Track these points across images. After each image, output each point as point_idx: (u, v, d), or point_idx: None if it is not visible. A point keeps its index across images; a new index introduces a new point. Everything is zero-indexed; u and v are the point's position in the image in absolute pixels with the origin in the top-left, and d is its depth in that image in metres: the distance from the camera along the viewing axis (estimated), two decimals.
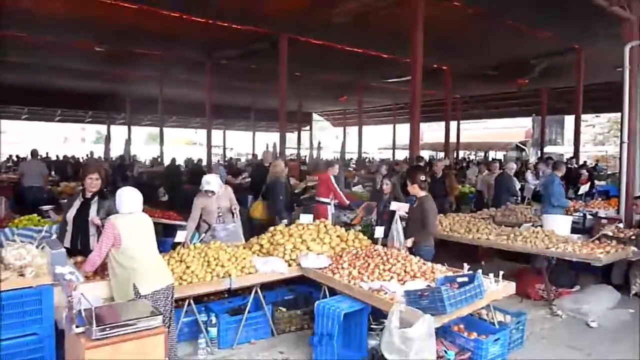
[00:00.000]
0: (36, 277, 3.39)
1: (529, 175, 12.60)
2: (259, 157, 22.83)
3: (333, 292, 4.71)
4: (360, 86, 21.97)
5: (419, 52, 9.53)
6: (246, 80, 20.35)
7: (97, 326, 2.86)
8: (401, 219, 5.69)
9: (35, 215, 6.88)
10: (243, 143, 39.28)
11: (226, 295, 5.13)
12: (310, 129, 36.67)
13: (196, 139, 51.00)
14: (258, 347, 4.77)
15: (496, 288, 4.40)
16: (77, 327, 2.95)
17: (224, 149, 32.50)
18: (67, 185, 11.43)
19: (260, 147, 30.59)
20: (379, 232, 5.61)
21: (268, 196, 7.85)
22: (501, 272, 4.60)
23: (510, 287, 4.54)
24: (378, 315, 4.30)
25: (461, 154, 30.08)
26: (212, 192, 5.62)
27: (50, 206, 7.96)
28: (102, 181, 4.84)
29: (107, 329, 2.89)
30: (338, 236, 5.65)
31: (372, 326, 4.36)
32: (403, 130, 32.08)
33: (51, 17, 11.23)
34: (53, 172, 16.22)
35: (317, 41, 13.67)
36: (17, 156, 22.70)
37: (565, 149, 29.27)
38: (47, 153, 24.49)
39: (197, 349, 4.53)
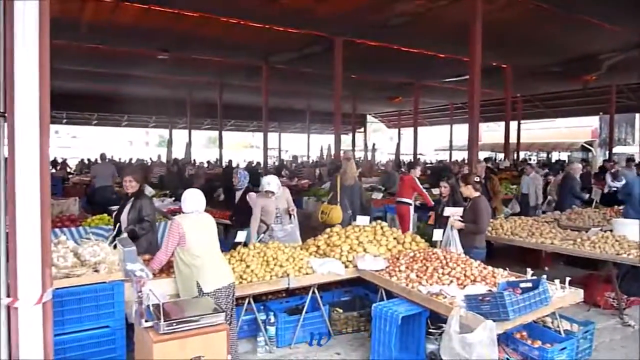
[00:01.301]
0: (109, 273, 3.61)
1: (608, 177, 11.91)
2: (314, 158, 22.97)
3: (390, 294, 4.69)
4: (416, 87, 21.66)
5: (477, 51, 9.29)
6: (301, 83, 20.58)
7: (164, 321, 3.00)
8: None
9: (106, 215, 7.28)
10: (298, 145, 39.72)
11: (284, 295, 5.21)
12: (365, 131, 36.54)
13: (253, 142, 52.16)
14: (315, 347, 4.82)
15: (562, 295, 4.22)
16: (146, 321, 3.11)
17: (280, 151, 33.00)
18: None
19: (315, 149, 30.89)
20: (437, 235, 5.51)
21: (333, 200, 7.63)
22: (567, 279, 4.41)
23: (578, 294, 4.34)
24: (436, 320, 4.24)
25: (522, 155, 28.93)
26: (272, 192, 5.74)
27: (118, 206, 8.37)
28: (138, 183, 5.20)
29: (174, 324, 3.02)
30: (395, 238, 5.61)
31: (430, 330, 4.29)
32: (460, 131, 31.32)
33: (120, 28, 11.87)
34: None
35: (372, 43, 13.62)
36: (88, 159, 24.12)
37: (634, 149, 27.52)
38: (112, 156, 25.87)
39: (257, 346, 4.65)
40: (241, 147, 51.53)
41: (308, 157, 31.06)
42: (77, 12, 10.64)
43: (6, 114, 2.68)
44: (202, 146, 47.97)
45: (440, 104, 30.35)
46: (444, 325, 3.86)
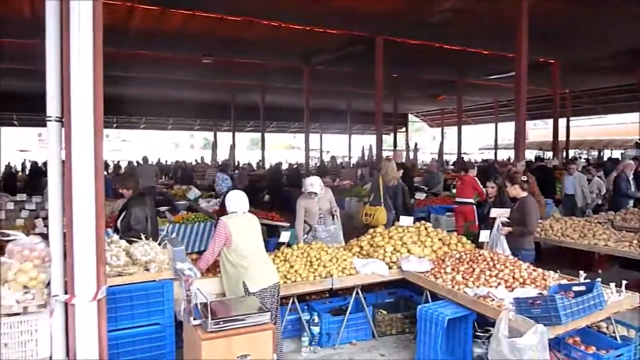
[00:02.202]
0: (159, 272, 3.72)
1: None
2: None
3: (435, 296, 4.61)
4: (460, 84, 21.23)
5: (523, 46, 9.02)
6: (342, 83, 20.58)
7: (212, 319, 3.06)
8: (503, 225, 5.42)
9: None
10: (339, 146, 39.74)
11: (327, 295, 5.22)
12: (406, 131, 36.12)
13: (294, 143, 52.58)
14: (359, 348, 4.81)
15: (618, 299, 4.03)
16: (194, 319, 3.18)
17: (321, 152, 33.12)
18: (179, 188, 12.36)
19: (357, 150, 30.80)
20: (484, 236, 5.37)
21: (376, 202, 7.48)
22: (624, 282, 4.20)
23: (635, 298, 4.13)
24: (484, 323, 4.13)
25: (571, 152, 27.82)
26: (315, 193, 5.76)
27: (166, 207, 8.66)
28: (129, 191, 5.45)
29: (221, 323, 3.08)
30: (440, 239, 5.51)
31: (477, 334, 4.19)
32: (506, 129, 30.44)
33: (166, 34, 12.24)
34: (168, 176, 17.65)
35: (413, 41, 13.46)
36: (136, 162, 25.05)
37: None
38: (159, 158, 26.76)
39: (301, 346, 4.68)
40: (283, 148, 52.06)
41: (349, 157, 31.00)
42: (126, 20, 11.04)
43: (63, 119, 2.82)
44: (245, 148, 48.79)
45: (484, 102, 29.63)
46: (491, 328, 3.76)
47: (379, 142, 14.52)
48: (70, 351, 2.88)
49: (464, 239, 5.58)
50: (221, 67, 16.69)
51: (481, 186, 8.18)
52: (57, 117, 2.85)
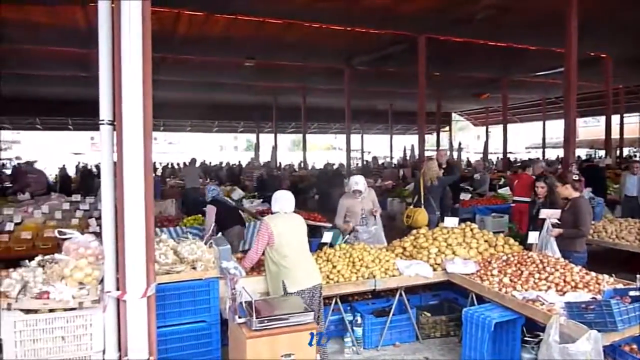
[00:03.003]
0: (205, 270, 3.81)
1: None
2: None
3: (481, 299, 4.50)
4: (505, 82, 20.64)
5: (573, 40, 8.67)
6: (384, 83, 20.43)
7: (256, 318, 3.10)
8: (553, 226, 5.21)
9: (200, 215, 7.70)
10: (381, 146, 39.49)
11: (369, 296, 5.20)
12: (450, 130, 35.46)
13: (335, 143, 52.63)
14: (402, 350, 4.76)
15: None
16: (239, 317, 3.24)
17: (362, 152, 33.00)
18: (223, 189, 12.60)
19: (398, 150, 30.51)
20: (533, 237, 5.20)
21: (418, 203, 7.39)
22: None
23: None
24: (532, 327, 4.00)
25: (625, 151, 26.50)
26: (360, 192, 5.75)
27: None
28: None
29: (265, 321, 3.12)
30: (486, 241, 5.37)
31: (526, 338, 4.06)
32: (554, 127, 29.38)
33: (210, 38, 12.52)
34: (211, 177, 18.09)
35: (457, 39, 13.19)
36: (177, 164, 25.79)
37: None
38: (203, 160, 27.41)
39: (344, 347, 4.67)
40: (324, 149, 52.23)
41: (391, 157, 30.75)
42: (172, 27, 11.37)
43: (115, 123, 2.94)
44: (287, 149, 49.25)
45: (531, 99, 28.69)
46: (541, 333, 3.64)
47: (422, 142, 14.30)
48: (122, 345, 3.00)
49: (511, 241, 5.42)
50: (263, 70, 16.91)
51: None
52: (109, 120, 2.98)
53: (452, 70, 17.93)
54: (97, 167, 13.37)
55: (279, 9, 10.64)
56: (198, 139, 47.29)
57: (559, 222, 5.18)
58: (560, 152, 13.01)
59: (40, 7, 9.81)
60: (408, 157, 24.67)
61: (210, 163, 26.97)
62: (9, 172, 18.01)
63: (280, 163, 24.64)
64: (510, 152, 27.36)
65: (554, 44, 11.58)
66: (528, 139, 37.12)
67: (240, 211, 7.40)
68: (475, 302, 4.55)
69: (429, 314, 5.02)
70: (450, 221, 5.71)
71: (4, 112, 22.91)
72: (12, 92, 19.99)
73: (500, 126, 23.67)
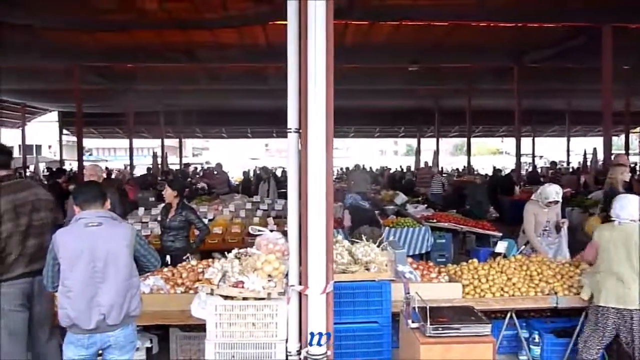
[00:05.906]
0: (378, 272, 3.91)
1: None
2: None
3: None
4: None
5: None
6: (559, 81, 18.60)
7: (430, 324, 3.08)
8: None
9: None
10: (554, 150, 36.02)
11: (548, 314, 4.78)
12: None
13: (502, 147, 49.47)
14: None
15: None
16: (412, 322, 3.25)
17: (533, 157, 30.44)
18: (386, 193, 12.75)
19: (577, 155, 27.47)
20: None
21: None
22: None
23: None
24: None
25: None
26: (557, 202, 5.42)
27: (376, 211, 9.02)
28: (174, 192, 5.57)
29: (440, 329, 3.08)
30: None
31: None
32: None
33: (374, 45, 12.82)
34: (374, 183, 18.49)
35: None
36: (340, 168, 26.85)
37: None
38: (364, 164, 28.08)
39: None
40: (489, 154, 49.50)
41: (568, 162, 27.83)
42: (341, 37, 11.91)
43: (300, 130, 3.20)
44: (449, 154, 47.84)
45: None
46: None
47: (607, 145, 12.63)
48: (302, 337, 3.24)
49: None
50: (425, 74, 16.70)
51: None
52: (296, 128, 3.25)
53: None
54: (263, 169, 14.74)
55: (444, 11, 10.42)
56: (360, 144, 48.66)
57: None
58: None
59: (228, 29, 11.12)
60: (589, 162, 22.02)
61: (370, 168, 27.53)
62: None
63: (442, 168, 24.03)
64: None
65: None
66: None
67: (375, 213, 8.20)
68: None
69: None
70: None
71: (197, 123, 27.71)
72: (201, 106, 23.31)
73: None
